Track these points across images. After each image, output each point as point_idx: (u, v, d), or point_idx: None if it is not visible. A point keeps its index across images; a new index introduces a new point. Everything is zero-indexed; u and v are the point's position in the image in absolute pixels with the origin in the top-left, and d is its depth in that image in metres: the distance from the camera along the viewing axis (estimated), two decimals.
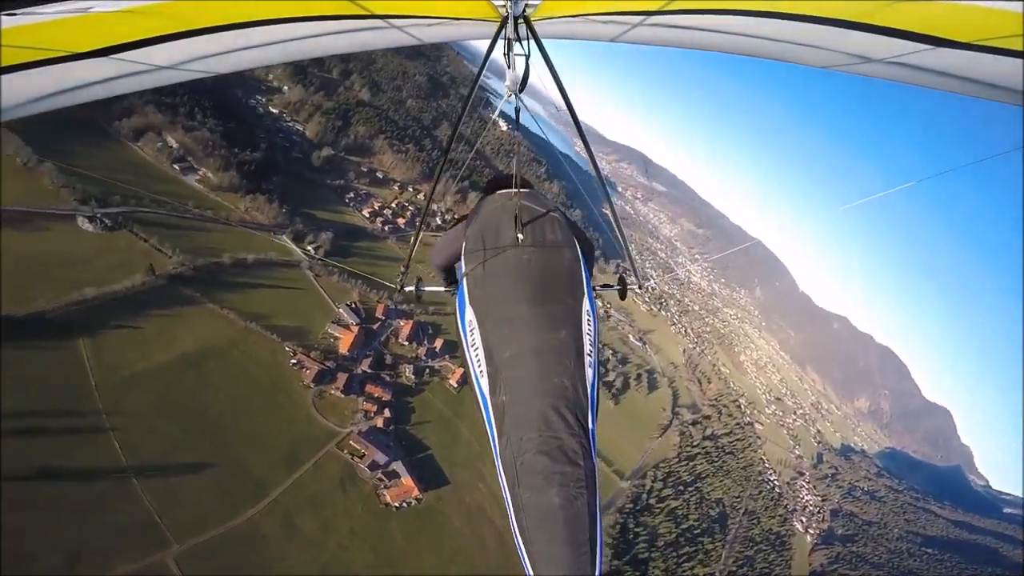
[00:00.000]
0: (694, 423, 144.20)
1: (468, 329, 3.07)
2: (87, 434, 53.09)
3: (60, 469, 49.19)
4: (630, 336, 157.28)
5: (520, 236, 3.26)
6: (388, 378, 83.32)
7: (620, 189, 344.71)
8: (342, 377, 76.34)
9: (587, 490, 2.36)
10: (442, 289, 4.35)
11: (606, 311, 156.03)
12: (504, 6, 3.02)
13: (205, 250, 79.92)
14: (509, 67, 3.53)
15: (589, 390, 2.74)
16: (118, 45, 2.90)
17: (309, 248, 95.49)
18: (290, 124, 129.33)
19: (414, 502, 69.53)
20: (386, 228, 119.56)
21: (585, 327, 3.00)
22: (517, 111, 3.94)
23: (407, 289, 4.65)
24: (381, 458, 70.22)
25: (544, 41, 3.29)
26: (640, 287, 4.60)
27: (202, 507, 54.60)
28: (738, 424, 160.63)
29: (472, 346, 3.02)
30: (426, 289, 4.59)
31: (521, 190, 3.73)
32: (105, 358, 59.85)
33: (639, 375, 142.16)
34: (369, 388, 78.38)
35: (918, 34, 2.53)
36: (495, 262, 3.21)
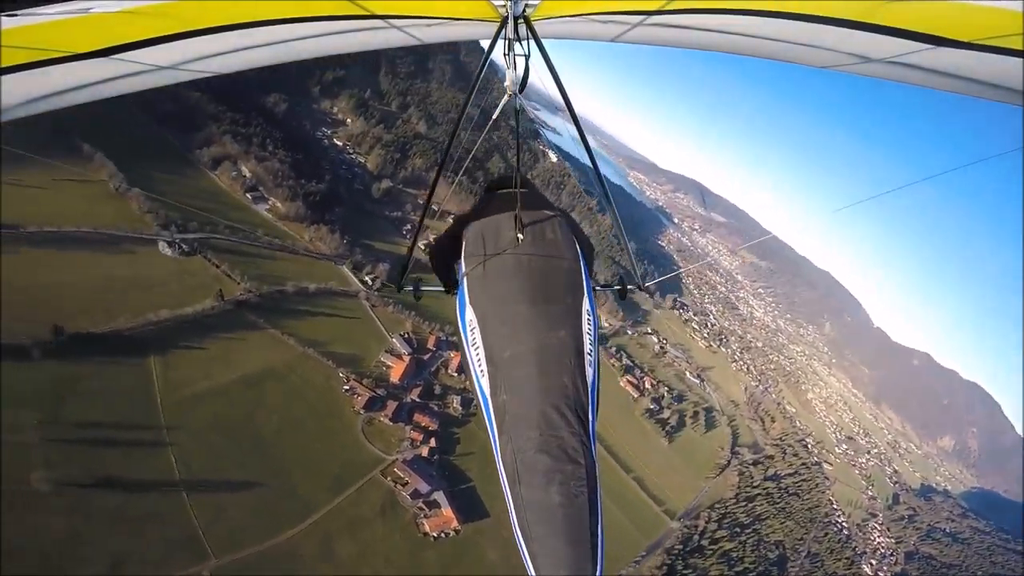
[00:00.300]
0: (755, 463, 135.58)
1: (469, 329, 3.07)
2: (147, 447, 56.37)
3: (118, 479, 52.27)
4: (687, 373, 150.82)
5: (520, 236, 3.26)
6: (436, 408, 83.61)
7: (676, 220, 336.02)
8: (391, 405, 77.54)
9: (588, 488, 2.36)
10: (441, 289, 4.35)
11: (662, 347, 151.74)
12: (504, 6, 3.01)
13: (271, 278, 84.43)
14: (509, 67, 3.50)
15: (589, 389, 2.75)
16: (118, 46, 2.90)
17: (366, 278, 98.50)
18: (352, 156, 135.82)
19: (452, 533, 68.76)
20: None
21: (585, 327, 3.01)
22: (517, 112, 3.88)
23: (406, 289, 4.65)
24: (423, 487, 70.30)
25: (545, 41, 3.28)
26: (640, 288, 4.70)
27: (245, 524, 56.08)
28: (804, 464, 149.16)
29: (473, 345, 3.02)
30: (424, 289, 4.62)
31: (521, 190, 3.69)
32: (172, 376, 63.67)
33: (696, 413, 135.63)
34: (417, 417, 78.84)
35: (918, 33, 2.50)
36: (495, 262, 3.21)
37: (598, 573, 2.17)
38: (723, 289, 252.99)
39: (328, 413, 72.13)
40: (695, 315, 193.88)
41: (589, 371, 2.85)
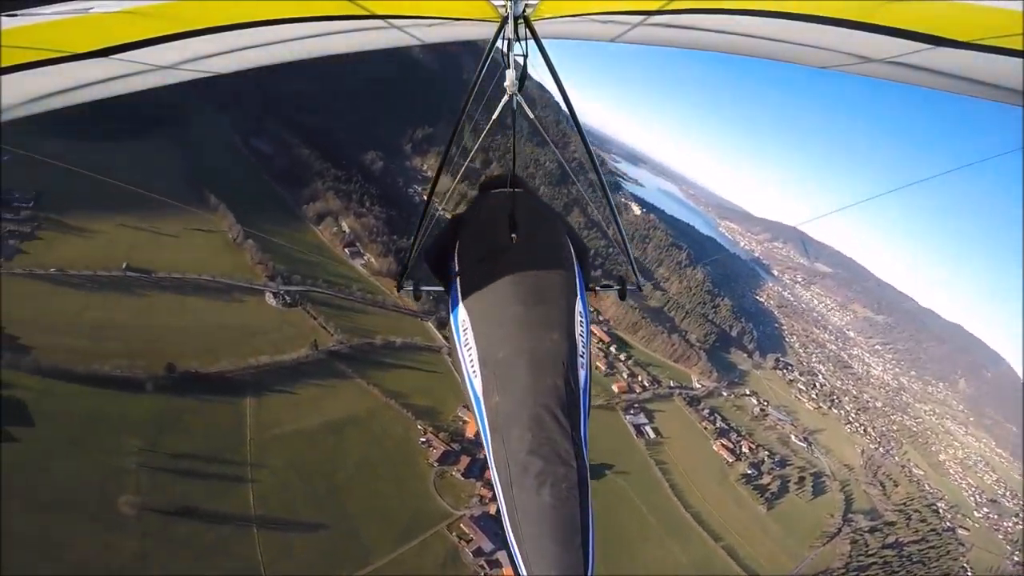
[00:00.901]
0: (871, 530, 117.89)
1: (461, 329, 3.05)
2: (230, 481, 59.76)
3: (197, 509, 55.54)
4: (792, 436, 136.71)
5: (514, 236, 3.24)
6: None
7: (776, 273, 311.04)
8: (465, 460, 77.04)
9: (579, 490, 2.38)
10: (441, 289, 4.23)
11: (763, 409, 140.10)
12: (504, 6, 3.03)
13: (361, 330, 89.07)
14: (508, 67, 3.50)
15: (581, 391, 2.75)
16: (118, 45, 2.91)
17: (443, 336, 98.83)
18: (441, 213, 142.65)
19: None
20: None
21: (578, 328, 2.99)
22: (513, 113, 3.79)
23: (406, 288, 4.58)
24: (487, 545, 68.04)
25: (546, 41, 3.30)
26: (639, 288, 4.69)
27: (307, 564, 56.92)
28: (933, 530, 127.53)
29: (465, 346, 3.00)
30: (425, 289, 4.54)
31: (516, 190, 3.76)
32: (263, 417, 67.93)
33: (801, 478, 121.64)
34: (488, 474, 76.10)
35: (918, 33, 2.53)
36: (488, 263, 3.20)
37: (589, 574, 2.14)
38: (833, 347, 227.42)
39: (403, 463, 73.00)
40: (801, 375, 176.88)
41: (581, 372, 2.82)
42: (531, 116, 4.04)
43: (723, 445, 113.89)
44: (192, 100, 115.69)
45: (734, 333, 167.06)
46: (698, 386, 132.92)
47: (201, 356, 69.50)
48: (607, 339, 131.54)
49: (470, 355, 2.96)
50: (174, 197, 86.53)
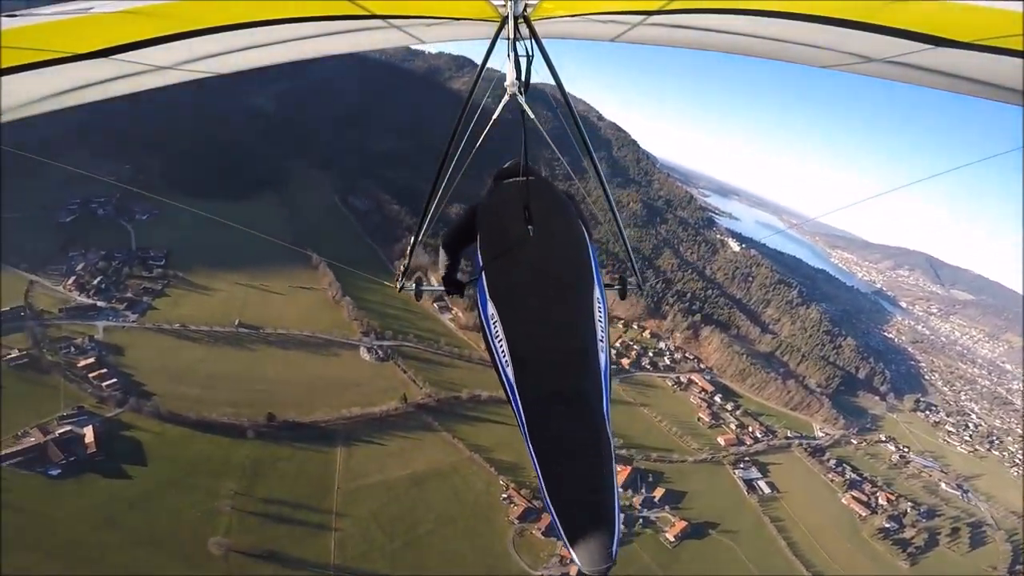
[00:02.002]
0: None
1: (491, 321, 3.20)
2: (314, 528, 61.31)
3: (280, 554, 57.38)
4: (941, 484, 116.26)
5: (531, 227, 3.40)
6: None
7: (904, 305, 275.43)
8: (546, 519, 72.59)
9: (605, 467, 2.58)
10: (441, 288, 4.43)
11: (903, 456, 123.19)
12: (504, 6, 3.11)
13: (448, 384, 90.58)
14: (509, 67, 3.61)
15: (603, 373, 2.95)
16: (118, 46, 2.98)
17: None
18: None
19: None
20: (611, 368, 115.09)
21: (597, 314, 3.14)
22: (523, 114, 3.82)
23: (407, 289, 4.70)
24: None
25: (546, 41, 3.41)
26: (640, 288, 4.82)
27: None
28: None
29: (496, 338, 3.12)
30: (425, 289, 4.66)
31: (529, 178, 3.86)
32: (352, 466, 70.17)
33: (955, 529, 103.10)
34: None
35: (918, 33, 2.58)
36: (511, 256, 3.36)
37: (615, 546, 2.36)
38: (986, 382, 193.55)
39: (482, 519, 71.42)
40: (948, 416, 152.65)
41: (601, 356, 2.99)
42: (531, 116, 3.71)
43: (854, 498, 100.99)
44: (295, 160, 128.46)
45: (861, 375, 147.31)
46: (821, 435, 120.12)
47: (299, 406, 74.51)
48: (710, 388, 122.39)
49: (502, 346, 3.07)
50: (281, 256, 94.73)
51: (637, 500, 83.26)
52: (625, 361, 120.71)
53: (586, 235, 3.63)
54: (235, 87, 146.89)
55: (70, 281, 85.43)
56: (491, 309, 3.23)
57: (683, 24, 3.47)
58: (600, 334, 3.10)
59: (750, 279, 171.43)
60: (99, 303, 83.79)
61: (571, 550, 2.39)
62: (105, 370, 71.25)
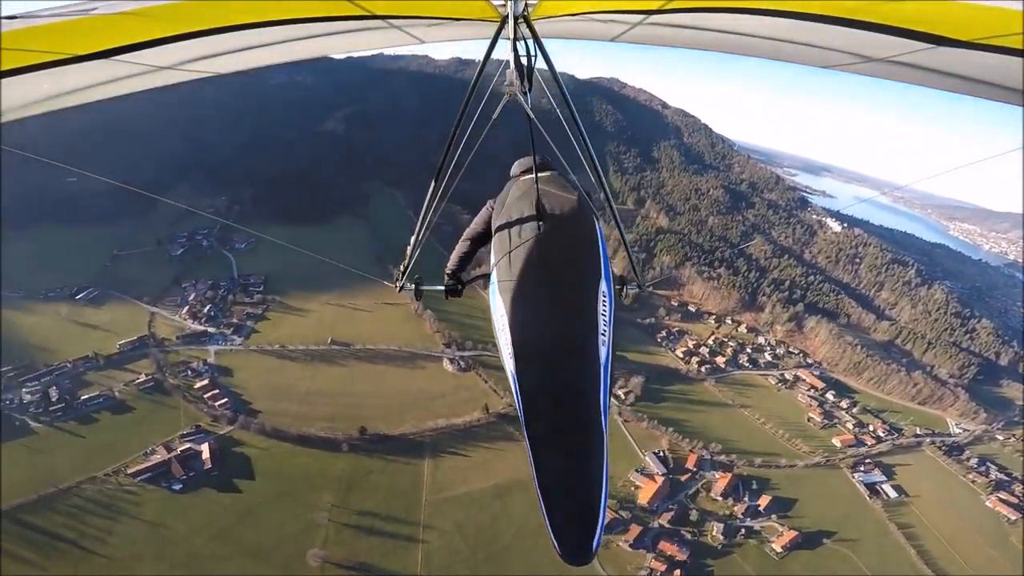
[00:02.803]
0: None
1: (498, 316, 3.32)
2: (403, 541, 62.95)
3: (370, 566, 59.47)
4: None
5: (541, 223, 3.49)
6: (689, 536, 72.89)
7: None
8: (635, 530, 70.91)
9: (596, 455, 2.65)
10: (441, 288, 4.54)
11: None
12: (504, 5, 3.15)
13: None
14: (509, 67, 3.66)
15: (602, 368, 3.01)
16: (119, 47, 3.02)
17: (620, 392, 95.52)
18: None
19: None
20: (703, 369, 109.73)
21: (600, 308, 3.22)
22: (531, 121, 3.88)
23: (407, 289, 4.71)
24: None
25: (546, 41, 3.47)
26: (640, 288, 4.91)
27: None
28: None
29: (502, 331, 3.22)
30: (425, 289, 4.64)
31: (542, 174, 3.95)
32: (439, 478, 71.44)
33: None
34: (663, 545, 69.94)
35: (918, 33, 2.60)
36: (519, 251, 3.45)
37: (596, 540, 2.42)
38: None
39: None
40: None
41: (602, 350, 3.05)
42: (531, 116, 3.69)
43: (1001, 500, 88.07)
44: (370, 180, 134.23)
45: (1003, 361, 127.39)
46: (958, 431, 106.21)
47: (388, 419, 77.61)
48: (820, 385, 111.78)
49: (506, 340, 3.16)
50: (366, 272, 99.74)
51: (739, 509, 77.88)
52: (720, 359, 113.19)
53: (598, 229, 3.73)
54: (306, 114, 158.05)
55: (184, 310, 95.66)
56: (499, 304, 3.34)
57: (683, 24, 3.45)
58: (603, 328, 3.14)
59: (857, 261, 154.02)
60: (209, 329, 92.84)
61: (553, 539, 2.42)
62: (217, 391, 78.72)
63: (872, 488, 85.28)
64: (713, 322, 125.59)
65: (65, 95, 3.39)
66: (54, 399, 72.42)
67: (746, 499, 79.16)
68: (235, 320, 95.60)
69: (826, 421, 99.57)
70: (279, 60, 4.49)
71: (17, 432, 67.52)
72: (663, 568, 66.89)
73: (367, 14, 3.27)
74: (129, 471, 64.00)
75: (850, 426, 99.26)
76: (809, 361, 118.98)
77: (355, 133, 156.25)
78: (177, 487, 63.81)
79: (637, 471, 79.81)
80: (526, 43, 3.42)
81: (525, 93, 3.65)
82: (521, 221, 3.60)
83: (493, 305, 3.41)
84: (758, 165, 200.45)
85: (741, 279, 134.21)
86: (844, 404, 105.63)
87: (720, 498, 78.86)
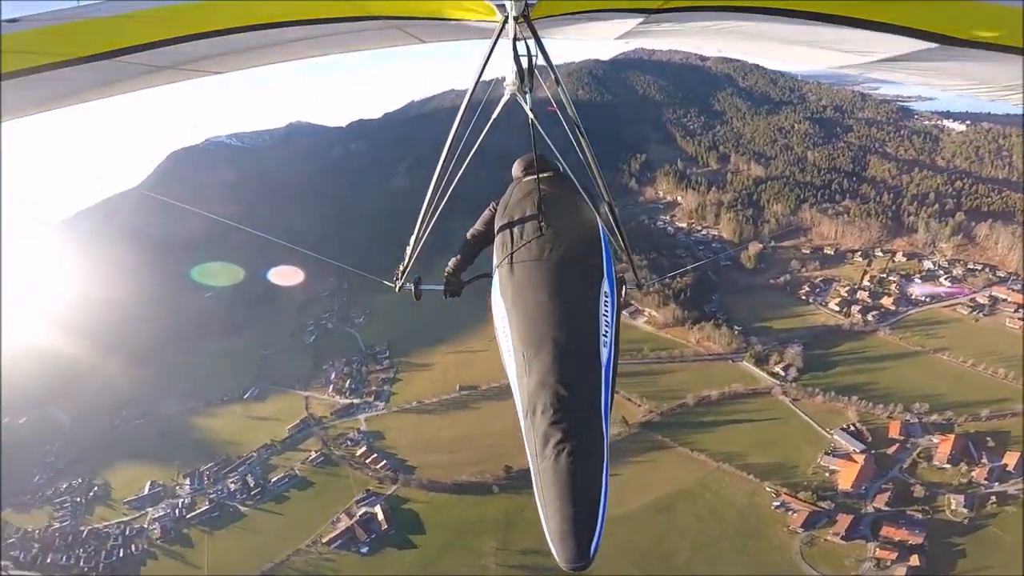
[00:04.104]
0: None
1: (499, 317, 3.29)
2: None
3: None
4: None
5: (543, 224, 3.51)
6: (920, 515, 62.11)
7: None
8: (844, 520, 61.97)
9: (596, 458, 2.61)
10: (441, 288, 4.45)
11: None
12: (504, 5, 3.11)
13: (667, 393, 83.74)
14: (511, 66, 3.63)
15: (604, 370, 2.98)
16: (120, 49, 3.00)
17: (777, 369, 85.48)
18: (703, 232, 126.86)
19: None
20: (869, 317, 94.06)
21: (602, 309, 3.18)
22: (532, 122, 3.90)
23: (406, 289, 4.64)
24: None
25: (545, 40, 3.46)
26: (640, 287, 4.91)
27: None
28: None
29: (503, 333, 3.21)
30: (425, 288, 4.55)
31: (544, 175, 4.00)
32: None
33: None
34: (886, 530, 60.53)
35: (919, 31, 2.54)
36: (520, 252, 3.46)
37: (594, 545, 2.35)
38: None
39: (753, 534, 62.76)
40: None
41: (604, 351, 3.01)
42: (531, 116, 3.65)
43: None
44: (452, 219, 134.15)
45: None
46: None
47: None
48: None
49: (507, 341, 3.15)
50: (473, 318, 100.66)
51: (979, 473, 64.95)
52: (887, 300, 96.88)
53: (600, 229, 3.66)
54: (373, 174, 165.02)
55: (330, 389, 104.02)
56: (500, 304, 3.30)
57: (683, 24, 3.34)
58: (604, 328, 3.06)
59: (1005, 154, 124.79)
60: (355, 400, 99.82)
61: (551, 544, 2.38)
62: (375, 454, 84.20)
63: None
64: (860, 259, 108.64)
65: (67, 95, 3.37)
66: (252, 485, 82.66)
67: (984, 460, 65.77)
68: (373, 388, 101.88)
69: None
70: (280, 60, 4.41)
71: (232, 517, 77.99)
72: (893, 556, 57.79)
73: (369, 16, 3.28)
74: (324, 540, 70.34)
75: None
76: (1000, 275, 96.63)
77: (421, 181, 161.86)
78: (364, 550, 68.65)
79: (827, 454, 70.27)
80: (526, 43, 3.32)
81: (525, 92, 3.56)
82: (523, 222, 3.59)
83: (494, 306, 3.37)
84: (834, 88, 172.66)
85: (874, 205, 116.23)
86: None
87: (948, 465, 66.33)
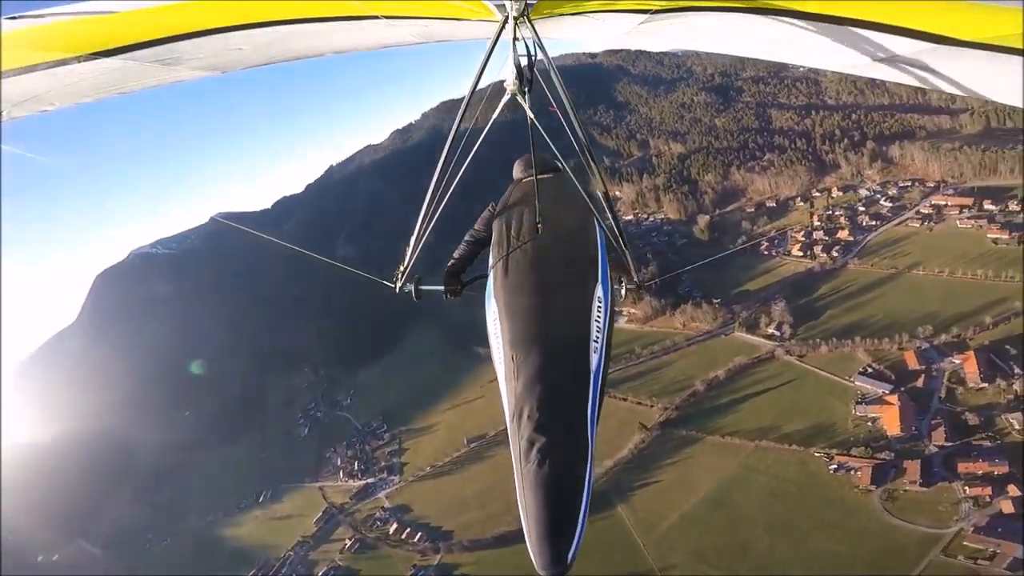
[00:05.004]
0: None
1: (491, 319, 3.05)
2: None
3: None
4: None
5: (540, 226, 3.29)
6: (988, 443, 55.06)
7: None
8: (912, 466, 54.79)
9: (578, 464, 2.41)
10: (441, 288, 4.11)
11: None
12: (504, 5, 2.93)
13: (674, 385, 76.64)
14: (509, 67, 3.40)
15: (592, 375, 2.73)
16: (120, 47, 2.87)
17: (771, 330, 78.96)
18: (650, 219, 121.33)
19: None
20: (834, 253, 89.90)
21: (594, 314, 2.92)
22: (528, 113, 3.51)
23: (407, 290, 4.12)
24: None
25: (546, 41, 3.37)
26: (639, 287, 4.51)
27: None
28: None
29: (495, 335, 2.97)
30: (425, 288, 4.13)
31: (544, 176, 3.76)
32: (641, 518, 59.90)
33: None
34: (963, 466, 53.60)
35: (920, 32, 2.44)
36: (515, 254, 3.23)
37: (572, 552, 2.15)
38: None
39: (824, 502, 55.20)
40: None
41: (594, 357, 2.74)
42: (531, 116, 3.36)
43: None
44: (411, 319, 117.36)
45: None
46: None
47: None
48: (968, 201, 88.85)
49: (498, 343, 2.90)
50: (460, 369, 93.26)
51: (1021, 385, 57.22)
52: (843, 233, 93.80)
53: (598, 233, 3.42)
54: (314, 249, 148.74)
55: (341, 474, 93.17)
56: (493, 306, 3.04)
57: (684, 24, 3.11)
58: (595, 334, 2.80)
59: (876, 82, 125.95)
60: (369, 480, 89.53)
61: (529, 548, 2.18)
62: (408, 528, 75.68)
63: None
64: (802, 203, 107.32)
65: (67, 94, 3.18)
66: None
67: (1017, 370, 59.08)
68: (383, 463, 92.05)
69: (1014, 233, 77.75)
70: (280, 59, 4.09)
71: None
72: (988, 491, 50.78)
73: (367, 14, 3.05)
74: None
75: None
76: (930, 185, 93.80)
77: (366, 245, 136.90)
78: None
79: (859, 403, 63.52)
80: (526, 43, 3.09)
81: (524, 93, 3.31)
82: (520, 223, 3.33)
83: (487, 307, 3.10)
84: (711, 57, 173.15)
85: (792, 153, 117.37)
86: (1015, 207, 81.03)
87: (985, 384, 59.69)
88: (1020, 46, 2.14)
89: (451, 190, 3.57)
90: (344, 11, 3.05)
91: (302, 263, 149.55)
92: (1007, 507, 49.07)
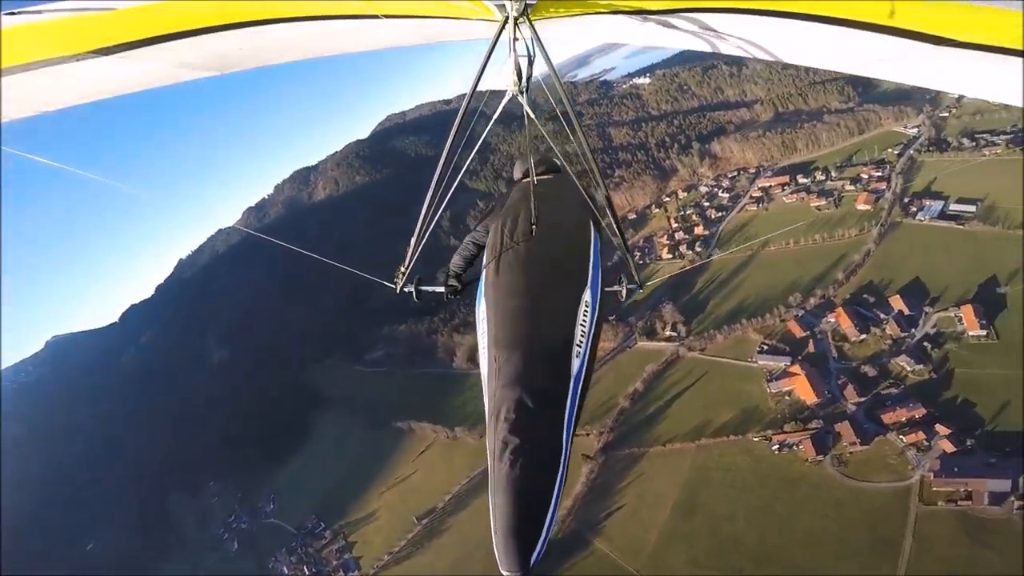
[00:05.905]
0: None
1: (480, 319, 2.80)
2: None
3: None
4: None
5: (534, 228, 3.01)
6: (895, 390, 53.66)
7: None
8: (844, 428, 51.75)
9: (550, 467, 2.25)
10: (441, 289, 3.78)
11: None
12: (503, 5, 2.71)
13: (600, 409, 66.81)
14: (511, 67, 3.10)
15: (572, 380, 2.52)
16: (119, 44, 2.66)
17: (668, 333, 74.86)
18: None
19: None
20: (697, 248, 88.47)
21: (580, 318, 2.67)
22: (526, 115, 3.31)
23: (407, 290, 3.77)
24: (998, 484, 42.48)
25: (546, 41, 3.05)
26: (639, 287, 3.98)
27: None
28: None
29: (482, 335, 2.73)
30: (425, 289, 3.80)
31: (542, 177, 3.53)
32: (622, 546, 51.84)
33: None
34: (887, 416, 51.11)
35: (919, 33, 2.29)
36: (508, 255, 2.94)
37: (536, 555, 2.01)
38: None
39: (788, 484, 50.26)
40: None
41: (575, 361, 2.52)
42: (531, 116, 3.10)
43: None
44: (313, 409, 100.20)
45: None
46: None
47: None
48: (784, 179, 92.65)
49: (484, 343, 2.67)
50: (389, 445, 79.77)
51: (892, 328, 58.30)
52: (699, 229, 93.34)
53: (593, 236, 3.12)
54: (177, 360, 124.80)
55: None
56: (482, 306, 2.79)
57: (686, 25, 2.90)
58: (579, 339, 2.57)
59: (685, 87, 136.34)
60: None
61: (495, 548, 2.04)
62: None
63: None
64: (657, 209, 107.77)
65: (68, 93, 2.93)
66: None
67: (882, 315, 59.67)
68: (335, 562, 72.90)
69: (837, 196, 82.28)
70: (277, 60, 3.67)
71: None
72: (922, 436, 48.09)
73: (365, 14, 2.77)
74: None
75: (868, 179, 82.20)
76: (752, 171, 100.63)
77: (242, 352, 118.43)
78: None
79: (769, 381, 59.89)
80: (526, 44, 2.79)
81: (523, 94, 3.04)
82: (515, 224, 3.05)
83: (478, 307, 2.82)
84: (551, 86, 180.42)
85: (636, 166, 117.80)
86: (821, 176, 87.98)
87: (863, 335, 59.35)
88: (1020, 47, 1.99)
89: (451, 190, 3.20)
90: (343, 11, 2.82)
91: (179, 374, 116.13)
92: (948, 446, 46.58)
